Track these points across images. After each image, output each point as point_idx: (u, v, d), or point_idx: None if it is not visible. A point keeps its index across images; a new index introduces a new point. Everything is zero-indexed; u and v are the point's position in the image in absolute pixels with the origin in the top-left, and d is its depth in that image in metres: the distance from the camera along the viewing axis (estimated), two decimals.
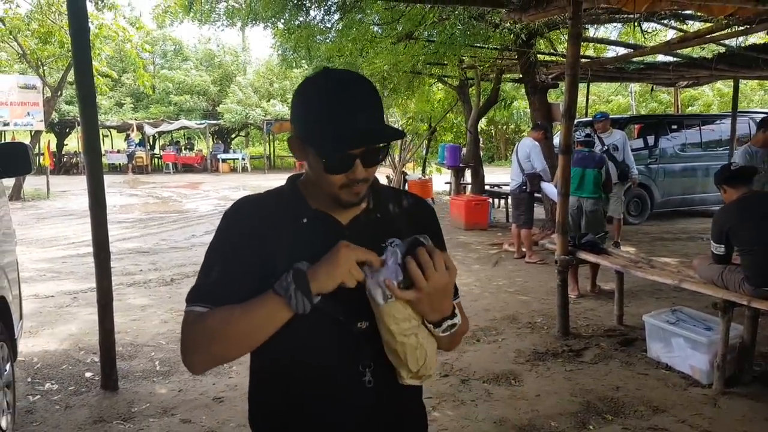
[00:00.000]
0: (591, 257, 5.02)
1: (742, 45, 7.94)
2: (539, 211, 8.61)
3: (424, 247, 1.09)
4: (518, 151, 7.45)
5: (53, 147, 23.79)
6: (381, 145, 1.15)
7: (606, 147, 7.60)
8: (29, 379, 3.95)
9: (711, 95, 23.51)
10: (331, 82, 1.13)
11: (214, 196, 16.27)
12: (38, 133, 15.80)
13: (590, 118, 9.28)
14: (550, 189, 7.16)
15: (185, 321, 1.16)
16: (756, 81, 19.06)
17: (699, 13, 6.35)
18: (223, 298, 1.13)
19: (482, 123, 13.03)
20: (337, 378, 1.18)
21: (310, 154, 1.16)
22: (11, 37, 13.84)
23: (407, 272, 1.07)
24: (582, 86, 9.87)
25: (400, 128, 15.43)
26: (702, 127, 10.97)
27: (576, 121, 5.68)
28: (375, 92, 1.16)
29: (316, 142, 1.12)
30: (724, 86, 21.58)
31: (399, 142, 14.72)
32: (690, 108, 22.81)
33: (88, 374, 4.04)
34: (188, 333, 1.14)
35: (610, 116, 8.51)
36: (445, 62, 9.47)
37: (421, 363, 1.17)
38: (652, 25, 8.58)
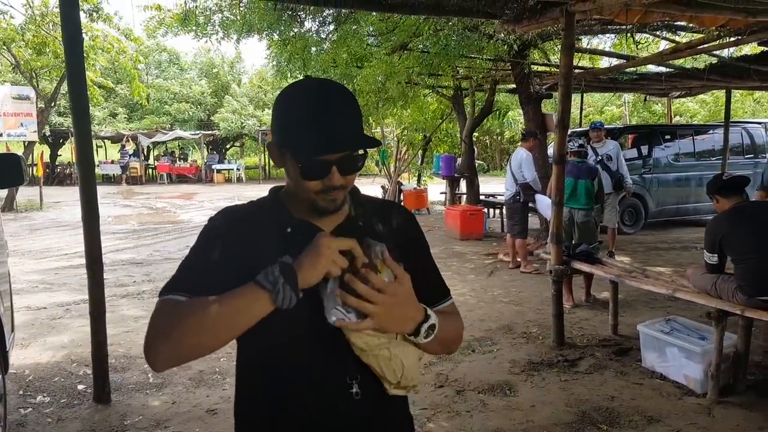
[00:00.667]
0: (585, 267, 5.02)
1: (734, 55, 8.03)
2: (534, 221, 8.62)
3: (377, 257, 1.08)
4: (512, 161, 7.51)
5: (46, 158, 23.74)
6: (359, 152, 1.15)
7: (600, 157, 7.64)
8: (21, 392, 3.91)
9: (696, 107, 23.60)
10: (310, 90, 1.14)
11: (208, 206, 16.21)
12: (31, 143, 15.76)
13: (585, 128, 9.33)
14: (543, 202, 7.17)
15: (158, 308, 1.12)
16: (747, 90, 19.22)
17: (691, 24, 6.42)
18: (202, 290, 1.10)
19: (476, 132, 13.07)
20: (325, 390, 1.17)
21: (287, 159, 1.16)
22: (5, 47, 13.83)
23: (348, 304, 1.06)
24: (576, 96, 9.96)
25: (395, 139, 15.43)
26: (695, 137, 11.05)
27: (570, 131, 5.71)
28: (354, 101, 1.16)
29: (293, 146, 1.13)
30: (707, 96, 21.65)
31: (394, 152, 14.78)
32: (678, 119, 22.93)
33: (80, 387, 4.00)
34: (160, 319, 1.10)
35: (605, 126, 8.56)
36: (440, 73, 9.52)
37: (399, 374, 1.16)
38: (645, 35, 8.67)
